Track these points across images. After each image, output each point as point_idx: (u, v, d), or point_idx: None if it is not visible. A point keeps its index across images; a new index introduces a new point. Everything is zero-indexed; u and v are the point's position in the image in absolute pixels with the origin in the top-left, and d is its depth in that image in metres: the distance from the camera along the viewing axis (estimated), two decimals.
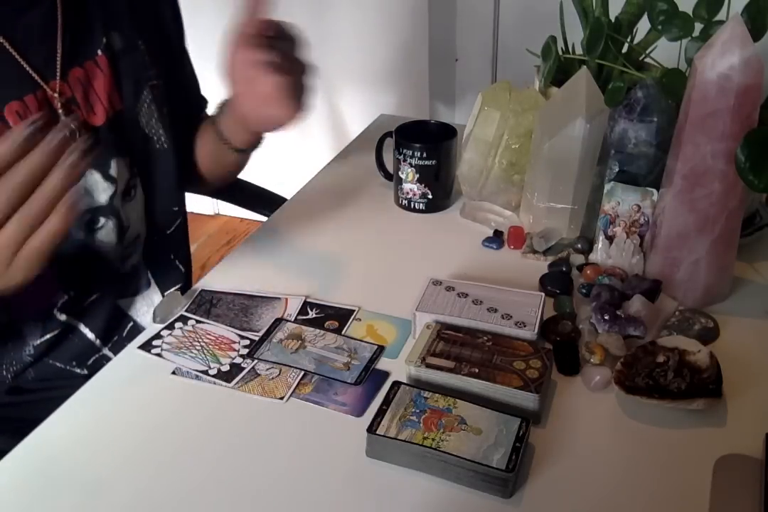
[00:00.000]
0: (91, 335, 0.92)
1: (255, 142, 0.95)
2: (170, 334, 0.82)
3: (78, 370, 0.92)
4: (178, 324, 0.84)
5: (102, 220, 0.87)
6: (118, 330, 0.95)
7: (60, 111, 0.78)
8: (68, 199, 0.56)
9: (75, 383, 0.76)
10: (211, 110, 1.05)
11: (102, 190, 0.85)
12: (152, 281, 0.99)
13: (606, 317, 0.78)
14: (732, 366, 0.73)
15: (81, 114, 0.81)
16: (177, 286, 1.01)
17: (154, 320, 0.84)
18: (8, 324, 0.84)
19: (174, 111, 0.94)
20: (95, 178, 0.84)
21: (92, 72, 0.82)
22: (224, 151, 0.95)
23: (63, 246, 0.83)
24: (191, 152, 1.01)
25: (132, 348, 0.81)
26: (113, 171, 0.85)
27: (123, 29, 0.86)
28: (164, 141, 0.93)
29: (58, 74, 0.78)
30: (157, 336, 0.82)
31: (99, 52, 0.83)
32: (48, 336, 0.87)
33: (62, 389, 0.77)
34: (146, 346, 0.81)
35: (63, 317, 0.88)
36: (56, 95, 0.78)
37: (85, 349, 0.85)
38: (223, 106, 0.94)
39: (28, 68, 0.76)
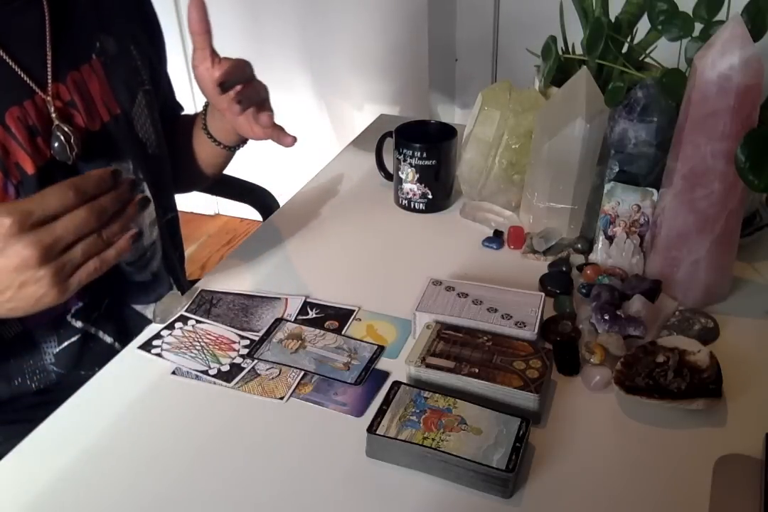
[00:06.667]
0: (111, 341, 0.92)
1: (244, 140, 0.99)
2: (170, 334, 0.82)
3: None
4: (178, 324, 0.84)
5: None
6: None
7: (54, 115, 0.78)
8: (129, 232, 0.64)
9: None
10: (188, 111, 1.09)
11: None
12: (174, 286, 0.99)
13: (606, 317, 0.78)
14: (732, 366, 0.73)
15: (81, 118, 0.81)
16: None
17: (154, 320, 0.84)
18: (21, 333, 0.84)
19: (160, 117, 0.96)
20: None
21: (88, 76, 0.83)
22: (217, 150, 1.00)
23: None
24: (177, 156, 1.02)
25: (132, 349, 0.81)
26: None
27: (115, 34, 0.87)
28: (156, 146, 0.94)
29: (49, 78, 0.78)
30: (157, 336, 0.82)
31: (93, 56, 0.83)
32: (66, 343, 0.87)
33: None
34: (146, 346, 0.81)
35: (79, 324, 0.87)
36: (49, 98, 0.78)
37: (107, 355, 0.85)
38: (207, 108, 0.98)
39: (21, 73, 0.76)
